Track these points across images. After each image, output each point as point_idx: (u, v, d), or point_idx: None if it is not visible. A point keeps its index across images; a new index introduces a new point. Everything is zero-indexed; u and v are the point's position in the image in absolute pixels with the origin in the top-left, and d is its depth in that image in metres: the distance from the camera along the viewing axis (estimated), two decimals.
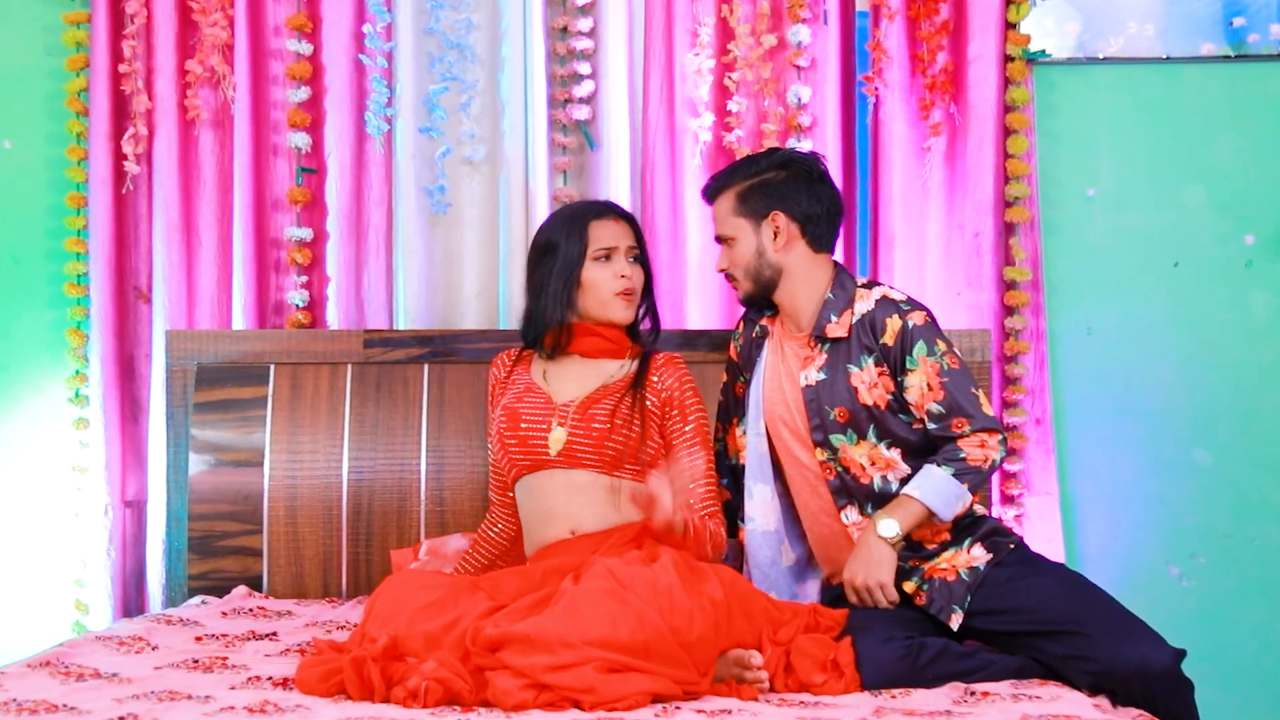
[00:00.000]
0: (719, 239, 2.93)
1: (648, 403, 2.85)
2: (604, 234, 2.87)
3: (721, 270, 2.95)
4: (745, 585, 2.63)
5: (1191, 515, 3.71)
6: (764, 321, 2.97)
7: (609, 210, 2.95)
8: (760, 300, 2.92)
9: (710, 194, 2.95)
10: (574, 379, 2.89)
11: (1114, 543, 3.70)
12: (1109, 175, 3.73)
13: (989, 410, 2.79)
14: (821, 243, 2.88)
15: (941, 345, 2.78)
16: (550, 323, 2.86)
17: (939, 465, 2.73)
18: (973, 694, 2.45)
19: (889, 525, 2.71)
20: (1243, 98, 3.71)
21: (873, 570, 2.71)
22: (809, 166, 2.90)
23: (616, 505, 2.78)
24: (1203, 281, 3.72)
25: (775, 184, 2.86)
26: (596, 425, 2.80)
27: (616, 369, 2.90)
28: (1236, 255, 3.72)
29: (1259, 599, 3.71)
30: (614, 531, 2.75)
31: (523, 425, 2.85)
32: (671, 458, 2.82)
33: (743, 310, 3.06)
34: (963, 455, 2.73)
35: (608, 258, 2.86)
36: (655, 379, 2.87)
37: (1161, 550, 3.71)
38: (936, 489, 2.72)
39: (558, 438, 2.81)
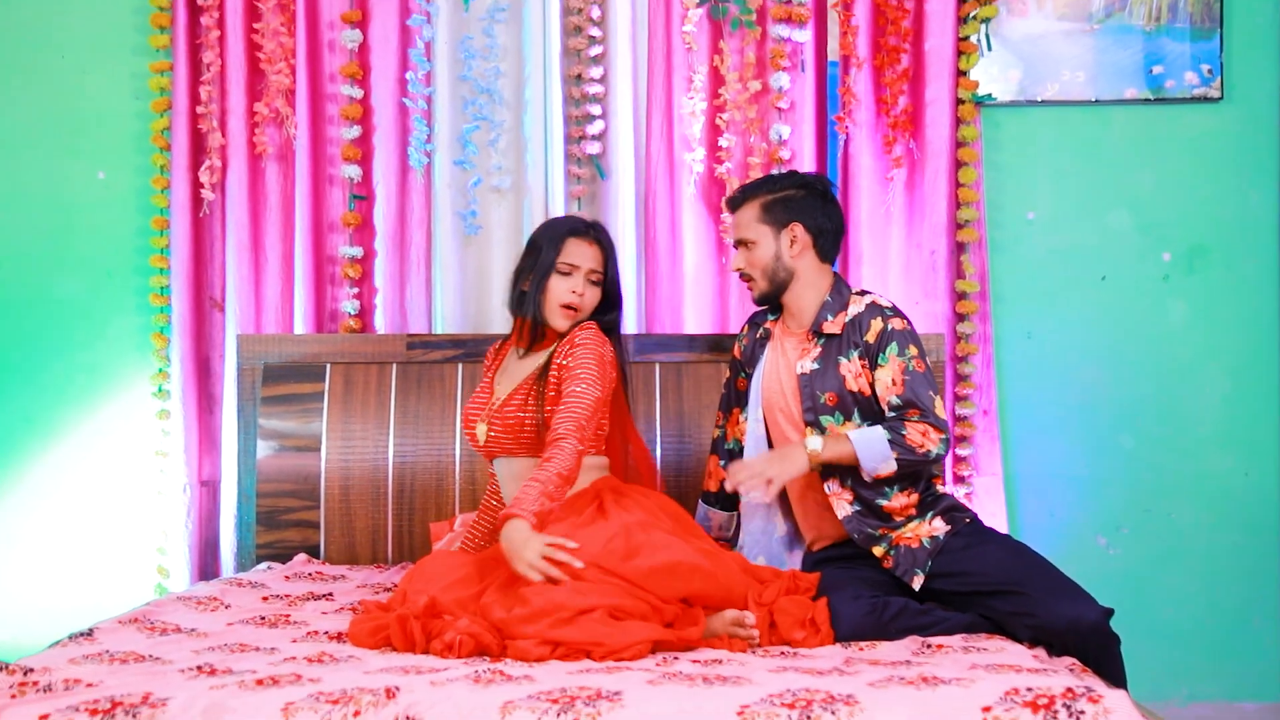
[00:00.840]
0: (739, 243, 2.90)
1: (551, 381, 2.74)
2: (574, 251, 2.79)
3: (737, 270, 2.92)
4: (724, 554, 2.63)
5: (1117, 493, 3.71)
6: (767, 325, 2.96)
7: (587, 231, 2.83)
8: (772, 299, 2.90)
9: (734, 204, 2.92)
10: (515, 374, 2.83)
11: (1050, 516, 3.69)
12: (1046, 201, 3.73)
13: (941, 413, 2.76)
14: (827, 254, 2.88)
15: (912, 350, 2.77)
16: (526, 316, 2.80)
17: (883, 429, 2.71)
18: (929, 646, 2.44)
19: (815, 442, 2.70)
20: (1161, 135, 3.71)
21: (777, 464, 2.68)
22: (823, 189, 2.90)
23: None
24: (1126, 293, 3.72)
25: (796, 200, 2.86)
26: (510, 418, 2.75)
27: (544, 358, 2.81)
28: (1155, 270, 3.72)
29: (1175, 565, 3.70)
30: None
31: (469, 424, 2.84)
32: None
33: (748, 315, 3.06)
34: (904, 432, 2.70)
35: (569, 273, 2.78)
36: (559, 357, 2.76)
37: (1091, 523, 3.71)
38: (870, 443, 2.69)
39: (481, 433, 2.80)
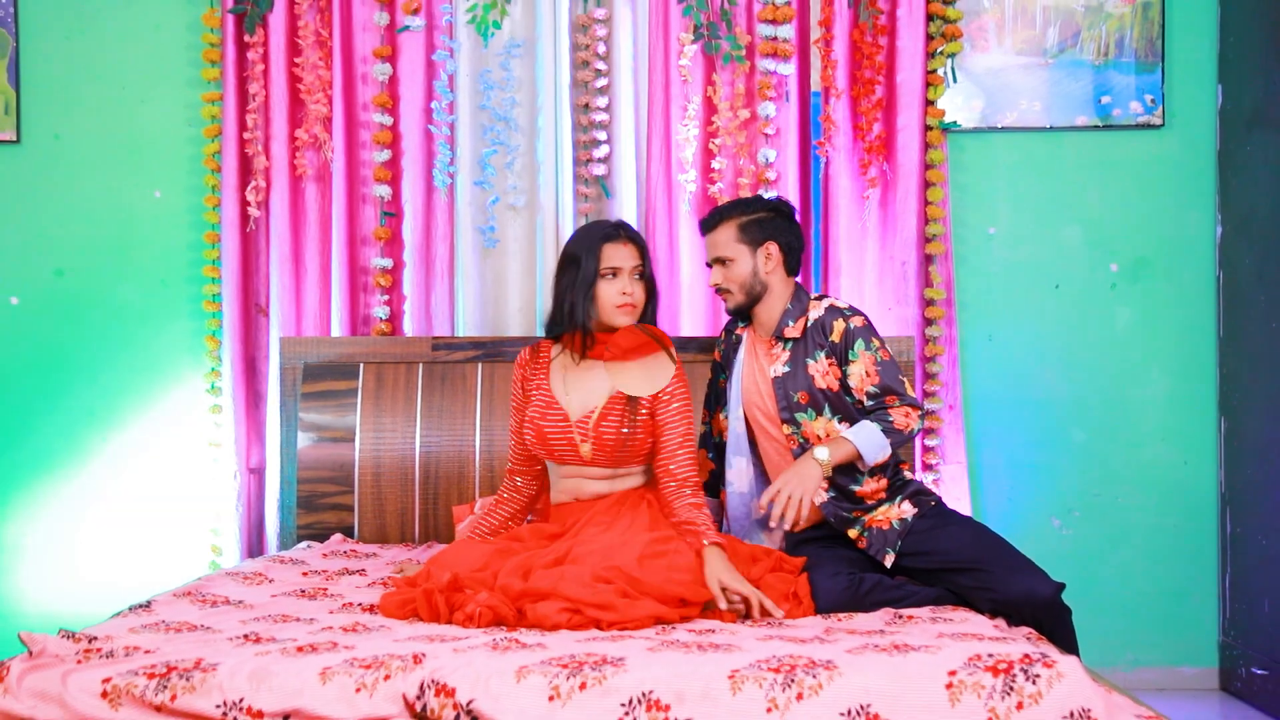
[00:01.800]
0: (717, 261, 2.85)
1: (642, 410, 2.64)
2: (613, 255, 2.64)
3: (715, 285, 2.88)
4: (727, 540, 2.62)
5: (1069, 480, 3.70)
6: (739, 331, 2.95)
7: (619, 233, 2.67)
8: (745, 311, 2.88)
9: (709, 225, 2.87)
10: (588, 388, 2.68)
11: (1009, 500, 3.69)
12: (1005, 218, 3.72)
13: (912, 392, 2.78)
14: (793, 268, 2.87)
15: (876, 342, 2.78)
16: (574, 327, 2.66)
17: (871, 421, 2.71)
18: (901, 617, 2.44)
19: (822, 451, 2.67)
20: (1109, 159, 3.70)
21: (799, 481, 2.64)
22: (789, 211, 2.88)
23: (611, 482, 2.68)
24: (1078, 300, 3.71)
25: (769, 221, 2.84)
26: (609, 440, 2.63)
27: (621, 371, 2.69)
28: (1104, 280, 3.71)
29: (1121, 544, 3.70)
30: (604, 497, 2.66)
31: (550, 441, 2.66)
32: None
33: (724, 323, 3.05)
34: (891, 419, 2.71)
35: (614, 275, 2.64)
36: (658, 391, 2.65)
37: (1046, 506, 3.70)
38: (867, 437, 2.69)
39: (586, 451, 2.65)
